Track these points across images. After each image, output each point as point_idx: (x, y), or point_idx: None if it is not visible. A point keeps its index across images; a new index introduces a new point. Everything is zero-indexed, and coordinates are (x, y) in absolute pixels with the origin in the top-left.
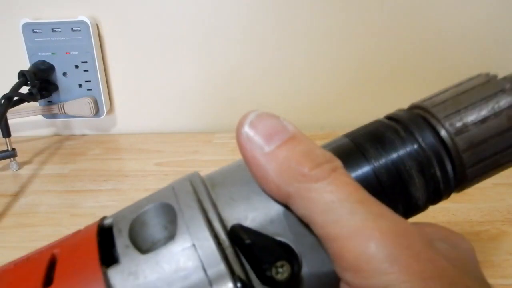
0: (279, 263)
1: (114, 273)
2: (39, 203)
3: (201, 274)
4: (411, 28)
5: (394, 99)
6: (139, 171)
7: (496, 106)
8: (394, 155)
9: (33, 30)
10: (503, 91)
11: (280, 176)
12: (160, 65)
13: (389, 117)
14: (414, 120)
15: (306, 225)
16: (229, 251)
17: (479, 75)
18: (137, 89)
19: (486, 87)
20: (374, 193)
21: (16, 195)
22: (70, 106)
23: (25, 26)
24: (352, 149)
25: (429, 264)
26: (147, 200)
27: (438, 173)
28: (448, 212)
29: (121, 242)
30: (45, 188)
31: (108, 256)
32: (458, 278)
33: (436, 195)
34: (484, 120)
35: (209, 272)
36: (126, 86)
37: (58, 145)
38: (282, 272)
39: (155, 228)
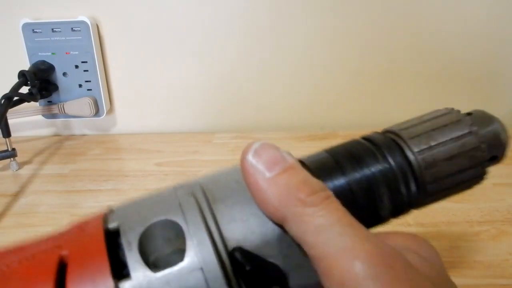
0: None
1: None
2: (39, 203)
3: None
4: (412, 29)
5: (394, 99)
6: (139, 171)
7: (462, 146)
8: (367, 172)
9: (33, 30)
10: (470, 133)
11: (279, 199)
12: (160, 65)
13: (365, 138)
14: (387, 143)
15: (295, 247)
16: (231, 274)
17: (450, 112)
18: (137, 89)
19: (456, 126)
20: (347, 204)
21: (16, 195)
22: (70, 106)
23: (25, 26)
24: (331, 163)
25: (408, 283)
26: (153, 209)
27: (403, 189)
28: (448, 212)
29: (132, 258)
30: (45, 188)
31: (116, 263)
32: None
33: (400, 209)
34: (450, 158)
35: None
36: (126, 86)
37: (58, 145)
38: None
39: (160, 240)
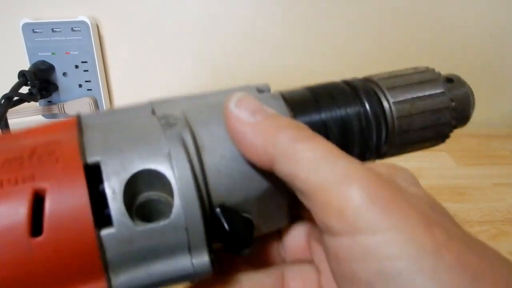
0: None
1: (108, 237)
2: None
3: (186, 252)
4: (412, 29)
5: None
6: None
7: (435, 103)
8: (343, 112)
9: (33, 30)
10: (443, 93)
11: (267, 140)
12: (160, 65)
13: (346, 82)
14: (365, 89)
15: (274, 196)
16: (211, 230)
17: (428, 70)
18: (137, 89)
19: (432, 84)
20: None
21: None
22: (70, 106)
23: (25, 26)
24: (310, 99)
25: (405, 202)
26: (139, 150)
27: (374, 136)
28: (448, 212)
29: (116, 207)
30: None
31: (96, 204)
32: (429, 213)
33: (365, 155)
34: (422, 112)
35: (194, 252)
36: (126, 86)
37: None
38: (246, 251)
39: (145, 188)
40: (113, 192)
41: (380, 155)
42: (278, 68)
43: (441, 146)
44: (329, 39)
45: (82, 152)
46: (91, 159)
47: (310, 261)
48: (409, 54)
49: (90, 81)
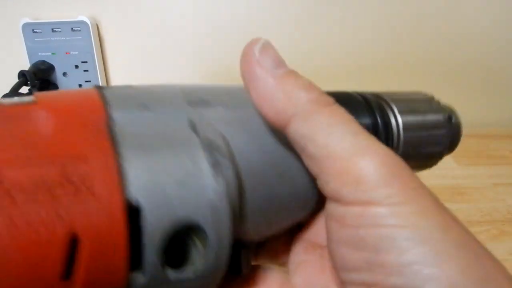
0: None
1: (137, 284)
2: None
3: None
4: (413, 30)
5: None
6: None
7: (435, 130)
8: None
9: (33, 30)
10: (443, 123)
11: (288, 96)
12: (160, 65)
13: (359, 93)
14: (377, 102)
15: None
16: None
17: (432, 100)
18: None
19: (436, 114)
20: None
21: None
22: None
23: (25, 26)
24: None
25: (419, 183)
26: (180, 197)
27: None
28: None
29: (150, 258)
30: None
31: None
32: (437, 198)
33: None
34: (425, 135)
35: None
36: None
37: None
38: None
39: (179, 232)
40: (151, 242)
41: None
42: None
43: None
44: (329, 39)
45: (122, 185)
46: (133, 198)
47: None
48: (409, 54)
49: (90, 81)
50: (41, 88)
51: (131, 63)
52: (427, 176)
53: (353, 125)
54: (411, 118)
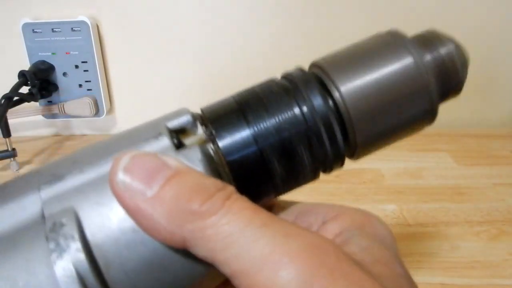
0: None
1: None
2: None
3: None
4: (413, 29)
5: None
6: None
7: (401, 79)
8: (277, 120)
9: (33, 30)
10: (413, 61)
11: (170, 220)
12: (160, 65)
13: (284, 76)
14: (307, 80)
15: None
16: None
17: (390, 34)
18: (137, 89)
19: (396, 53)
20: (254, 162)
21: None
22: (70, 106)
23: (25, 26)
24: (235, 111)
25: (344, 280)
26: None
27: (326, 140)
28: (448, 212)
29: None
30: None
31: None
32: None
33: (326, 162)
34: (387, 95)
35: None
36: (126, 86)
37: (58, 145)
38: None
39: None
40: None
41: (351, 155)
42: (280, 65)
43: (441, 146)
44: (330, 36)
45: None
46: None
47: None
48: None
49: (90, 81)
50: (41, 88)
51: (131, 63)
52: (427, 176)
53: (253, 224)
54: (357, 76)
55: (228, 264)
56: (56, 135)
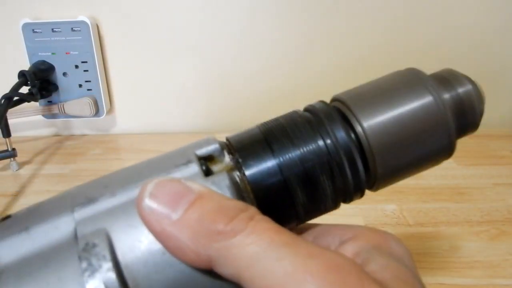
0: None
1: None
2: None
3: None
4: (411, 30)
5: None
6: None
7: (421, 116)
8: (302, 150)
9: (33, 30)
10: (433, 99)
11: (196, 241)
12: (160, 65)
13: (307, 109)
14: (329, 113)
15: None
16: None
17: (411, 73)
18: (137, 89)
19: (417, 91)
20: (278, 191)
21: (16, 195)
22: (70, 106)
23: (25, 26)
24: (261, 142)
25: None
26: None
27: (348, 171)
28: (448, 212)
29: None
30: (45, 188)
31: None
32: None
33: (347, 194)
34: (406, 130)
35: None
36: (126, 86)
37: (58, 145)
38: None
39: None
40: None
41: (371, 187)
42: (280, 65)
43: None
44: (331, 35)
45: None
46: None
47: None
48: (408, 55)
49: (90, 81)
50: (41, 88)
51: (131, 63)
52: (427, 176)
53: (276, 245)
54: (379, 112)
55: (253, 282)
56: (56, 135)
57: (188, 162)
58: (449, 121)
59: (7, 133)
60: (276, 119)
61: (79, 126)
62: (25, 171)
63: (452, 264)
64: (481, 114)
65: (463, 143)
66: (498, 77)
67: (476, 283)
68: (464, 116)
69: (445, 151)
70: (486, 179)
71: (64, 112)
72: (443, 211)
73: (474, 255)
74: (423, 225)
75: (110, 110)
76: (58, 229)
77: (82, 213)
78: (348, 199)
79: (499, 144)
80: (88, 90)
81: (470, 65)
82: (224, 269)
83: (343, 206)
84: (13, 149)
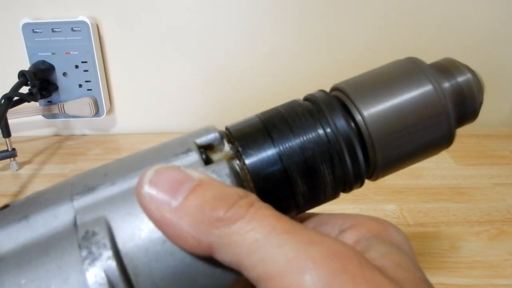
0: None
1: None
2: None
3: None
4: (411, 29)
5: None
6: None
7: (421, 104)
8: (302, 139)
9: (33, 30)
10: (433, 88)
11: (196, 228)
12: (160, 65)
13: (307, 98)
14: (329, 102)
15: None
16: None
17: (410, 61)
18: (137, 89)
19: (416, 80)
20: (278, 179)
21: (16, 195)
22: (70, 106)
23: (25, 26)
24: (261, 130)
25: (366, 286)
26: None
27: (348, 160)
28: (448, 212)
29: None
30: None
31: None
32: None
33: (346, 182)
34: (406, 119)
35: None
36: (126, 86)
37: (58, 145)
38: None
39: None
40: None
41: (370, 176)
42: (279, 65)
43: None
44: (328, 39)
45: None
46: None
47: None
48: (408, 54)
49: (90, 81)
50: (41, 88)
51: (131, 63)
52: (427, 176)
53: (277, 232)
54: (379, 101)
55: (253, 268)
56: (56, 135)
57: (188, 150)
58: (449, 109)
59: (7, 133)
60: (276, 108)
61: (79, 126)
62: (25, 171)
63: (452, 264)
64: (480, 103)
65: (463, 143)
66: (498, 77)
67: (476, 283)
68: (464, 104)
69: (445, 140)
70: (486, 179)
71: (64, 112)
72: (443, 211)
73: (474, 255)
74: (423, 225)
75: (110, 110)
76: (58, 217)
77: (81, 201)
78: (348, 188)
79: (499, 144)
80: (88, 90)
81: (469, 65)
82: (225, 256)
83: (343, 206)
84: (13, 149)
